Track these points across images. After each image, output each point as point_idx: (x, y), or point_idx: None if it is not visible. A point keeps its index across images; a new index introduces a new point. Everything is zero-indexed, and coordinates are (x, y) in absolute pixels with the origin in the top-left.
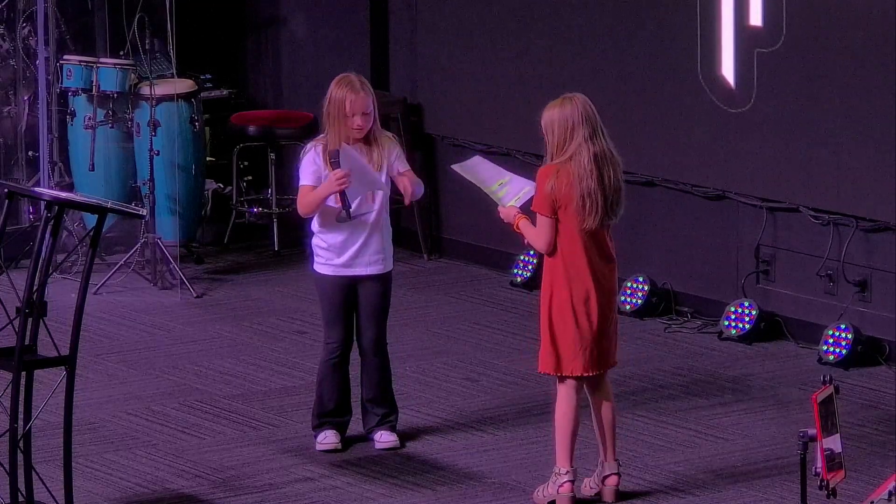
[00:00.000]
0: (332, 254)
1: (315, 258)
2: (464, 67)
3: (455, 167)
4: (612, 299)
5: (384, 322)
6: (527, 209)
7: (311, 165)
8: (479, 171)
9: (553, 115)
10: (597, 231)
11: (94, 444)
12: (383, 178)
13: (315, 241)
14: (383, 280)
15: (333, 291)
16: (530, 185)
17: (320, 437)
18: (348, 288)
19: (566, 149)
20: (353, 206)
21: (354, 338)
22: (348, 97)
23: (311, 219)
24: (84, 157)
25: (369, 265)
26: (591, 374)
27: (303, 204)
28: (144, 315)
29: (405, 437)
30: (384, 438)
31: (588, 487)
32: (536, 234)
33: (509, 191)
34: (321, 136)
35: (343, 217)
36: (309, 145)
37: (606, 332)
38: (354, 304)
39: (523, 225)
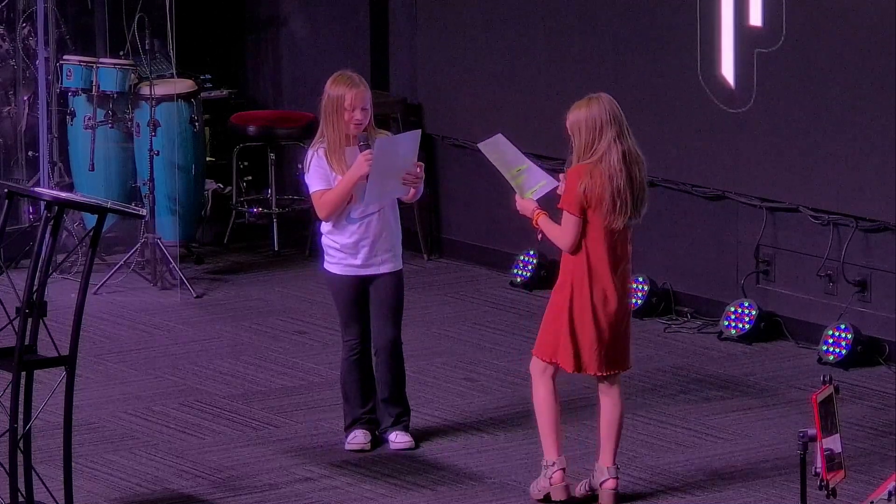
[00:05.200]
0: (345, 254)
1: (326, 258)
2: (464, 67)
3: (480, 144)
4: (629, 300)
5: (400, 321)
6: (544, 205)
7: (318, 170)
8: (502, 151)
9: (580, 116)
10: (620, 231)
11: (94, 444)
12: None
13: (326, 241)
14: (396, 278)
15: (346, 290)
16: (548, 178)
17: (349, 437)
18: (360, 286)
19: (595, 149)
20: (361, 208)
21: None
22: (348, 92)
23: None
24: (84, 157)
25: (382, 264)
26: (606, 374)
27: (323, 204)
28: (144, 315)
29: None
30: (399, 439)
31: (582, 490)
32: (562, 233)
33: (526, 180)
34: (318, 138)
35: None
36: (310, 151)
37: (623, 333)
38: (367, 300)
39: (543, 221)
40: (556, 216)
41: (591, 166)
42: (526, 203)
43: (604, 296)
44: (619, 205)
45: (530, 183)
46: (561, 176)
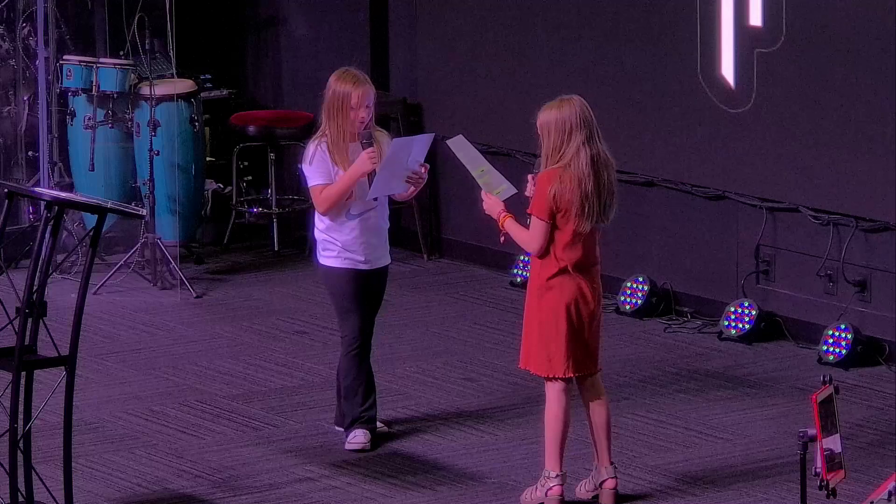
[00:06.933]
0: (345, 250)
1: (324, 251)
2: (464, 67)
3: (448, 142)
4: (600, 301)
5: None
6: (514, 206)
7: (320, 165)
8: (465, 150)
9: (550, 117)
10: (588, 234)
11: (94, 444)
12: None
13: (323, 236)
14: (386, 273)
15: (346, 284)
16: (507, 184)
17: (350, 436)
18: (360, 281)
19: (563, 152)
20: (361, 205)
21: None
22: (354, 91)
23: (314, 213)
24: (84, 157)
25: (378, 259)
26: (582, 374)
27: (324, 199)
28: (144, 315)
29: (405, 437)
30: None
31: (584, 490)
32: (530, 237)
33: (488, 182)
34: (319, 133)
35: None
36: (312, 145)
37: (594, 335)
38: (365, 294)
39: (510, 224)
40: (523, 219)
41: (560, 171)
42: (493, 202)
43: (579, 298)
44: (587, 209)
45: (494, 184)
46: (530, 177)
